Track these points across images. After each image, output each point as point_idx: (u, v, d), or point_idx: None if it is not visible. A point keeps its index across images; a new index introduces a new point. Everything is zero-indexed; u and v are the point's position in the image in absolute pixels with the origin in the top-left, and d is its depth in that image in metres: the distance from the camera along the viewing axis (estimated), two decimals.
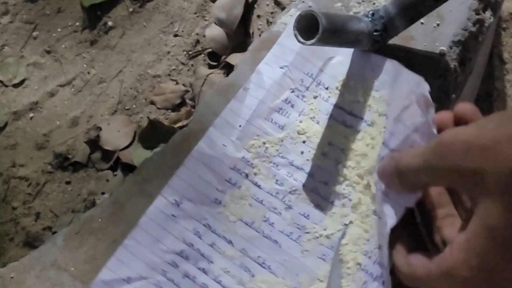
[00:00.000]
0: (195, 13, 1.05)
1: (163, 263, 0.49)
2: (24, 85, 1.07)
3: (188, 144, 0.52)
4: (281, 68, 0.52)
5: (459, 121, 0.42)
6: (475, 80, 0.77)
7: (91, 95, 1.04)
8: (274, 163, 0.50)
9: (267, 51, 0.54)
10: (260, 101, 0.52)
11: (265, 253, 0.48)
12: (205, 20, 1.05)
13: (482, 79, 0.92)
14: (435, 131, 0.43)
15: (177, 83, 1.02)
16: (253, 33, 1.02)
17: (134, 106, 1.02)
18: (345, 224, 0.47)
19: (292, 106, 0.51)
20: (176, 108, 1.00)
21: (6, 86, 1.08)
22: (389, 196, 0.43)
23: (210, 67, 1.01)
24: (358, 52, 0.50)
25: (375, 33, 0.48)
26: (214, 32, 1.01)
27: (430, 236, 0.42)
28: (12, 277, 0.52)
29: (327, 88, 0.51)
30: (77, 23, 1.09)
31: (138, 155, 0.96)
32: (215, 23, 1.02)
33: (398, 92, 0.47)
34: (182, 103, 1.00)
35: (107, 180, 0.97)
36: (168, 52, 1.04)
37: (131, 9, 1.08)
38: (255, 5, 1.03)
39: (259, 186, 0.50)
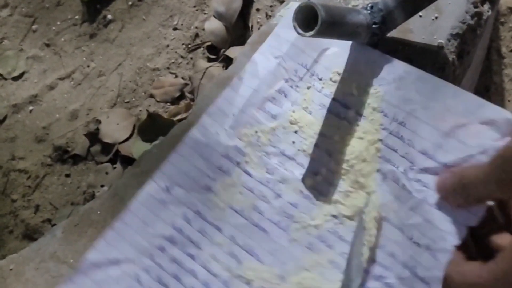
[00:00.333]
0: (194, 7, 1.05)
1: (151, 247, 0.50)
2: (24, 78, 1.07)
3: None
4: (275, 58, 0.52)
5: None
6: (473, 74, 0.77)
7: (90, 88, 1.04)
8: (265, 152, 0.50)
9: None
10: (254, 90, 0.52)
11: (253, 241, 0.48)
12: (204, 13, 1.05)
13: (480, 73, 0.92)
14: None
15: (176, 76, 1.02)
16: (252, 26, 1.02)
17: (133, 99, 1.02)
18: (333, 216, 0.47)
19: (286, 96, 0.51)
20: (175, 101, 1.00)
21: (6, 79, 1.08)
22: (449, 213, 0.43)
23: (209, 60, 1.01)
24: (356, 45, 0.50)
25: (373, 26, 0.48)
26: (213, 25, 1.01)
27: (478, 246, 0.42)
28: (11, 269, 0.52)
29: (321, 79, 0.51)
30: (77, 17, 1.09)
31: (137, 148, 0.96)
32: (214, 16, 1.02)
33: (437, 105, 0.46)
34: (181, 96, 1.00)
35: (107, 173, 0.97)
36: (167, 46, 1.04)
37: (130, 3, 1.08)
38: None
39: (249, 175, 0.50)
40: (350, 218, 0.47)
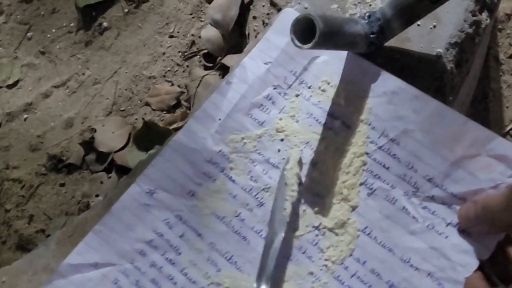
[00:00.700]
0: (191, 14, 1.05)
1: (132, 251, 0.49)
2: (18, 86, 1.07)
3: None
4: (265, 64, 0.52)
5: None
6: (472, 81, 0.77)
7: (85, 96, 1.04)
8: (250, 159, 0.50)
9: None
10: (241, 95, 0.52)
11: (233, 248, 0.48)
12: (201, 21, 1.04)
13: (478, 80, 0.91)
14: None
15: (172, 84, 1.01)
16: (248, 34, 1.01)
17: (129, 107, 1.02)
18: (315, 227, 0.47)
19: (273, 103, 0.51)
20: (171, 109, 1.00)
21: (0, 87, 1.07)
22: (461, 244, 0.44)
23: (206, 68, 1.01)
24: (350, 55, 0.50)
25: (371, 35, 0.48)
26: (210, 33, 1.01)
27: (498, 273, 0.43)
28: (4, 281, 0.52)
29: (309, 87, 0.51)
30: (72, 24, 1.09)
31: (132, 157, 0.95)
32: (210, 24, 1.01)
33: (440, 131, 0.46)
34: (177, 105, 1.00)
35: (101, 182, 0.97)
36: (164, 53, 1.03)
37: (126, 10, 1.07)
38: (251, 6, 1.02)
39: (233, 181, 0.50)
40: (331, 230, 0.47)
